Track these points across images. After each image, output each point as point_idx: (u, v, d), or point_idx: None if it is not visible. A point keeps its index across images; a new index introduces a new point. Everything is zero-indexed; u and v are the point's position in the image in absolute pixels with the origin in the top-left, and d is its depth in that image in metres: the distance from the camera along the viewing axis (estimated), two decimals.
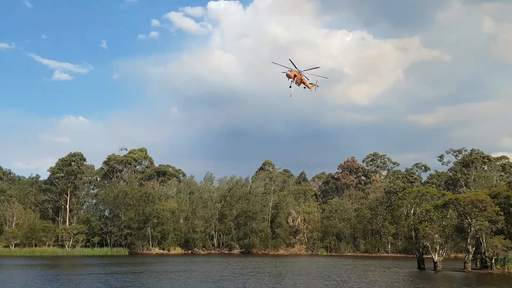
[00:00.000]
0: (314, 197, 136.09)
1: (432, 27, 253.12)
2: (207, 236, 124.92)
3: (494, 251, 59.19)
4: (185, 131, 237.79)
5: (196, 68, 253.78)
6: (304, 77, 49.50)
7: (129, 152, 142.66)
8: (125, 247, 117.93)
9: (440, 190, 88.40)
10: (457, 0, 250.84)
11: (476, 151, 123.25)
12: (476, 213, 59.65)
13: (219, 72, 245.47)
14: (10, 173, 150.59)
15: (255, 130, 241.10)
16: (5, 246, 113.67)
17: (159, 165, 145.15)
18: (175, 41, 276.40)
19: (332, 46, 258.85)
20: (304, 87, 50.31)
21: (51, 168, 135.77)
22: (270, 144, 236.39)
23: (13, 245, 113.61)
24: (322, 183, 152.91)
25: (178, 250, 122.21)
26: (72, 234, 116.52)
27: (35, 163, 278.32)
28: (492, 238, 59.64)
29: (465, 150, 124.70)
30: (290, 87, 48.44)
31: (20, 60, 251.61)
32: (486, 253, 60.19)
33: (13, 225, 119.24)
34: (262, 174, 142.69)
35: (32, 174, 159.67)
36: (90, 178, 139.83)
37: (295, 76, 48.55)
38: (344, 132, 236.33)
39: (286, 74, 48.40)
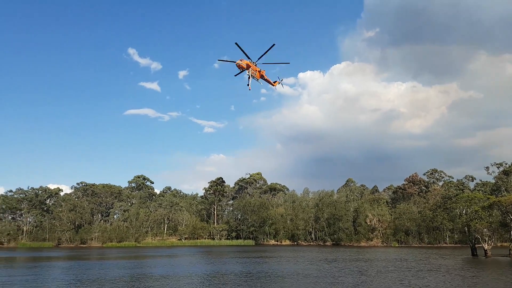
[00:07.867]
0: (385, 203, 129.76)
1: (466, 74, 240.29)
2: (307, 232, 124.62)
3: None
4: (286, 159, 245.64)
5: (292, 117, 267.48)
6: (262, 70, 33.33)
7: (251, 175, 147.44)
8: (252, 239, 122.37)
9: (485, 195, 79.86)
10: (482, 53, 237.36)
11: None
12: None
13: (307, 119, 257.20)
14: (180, 192, 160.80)
15: (334, 156, 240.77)
16: (178, 239, 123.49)
17: (271, 183, 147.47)
18: (277, 101, 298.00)
19: (390, 94, 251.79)
20: (259, 81, 34.28)
21: (204, 188, 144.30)
22: (346, 166, 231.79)
23: (184, 238, 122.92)
24: (392, 192, 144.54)
25: (287, 242, 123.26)
26: (218, 231, 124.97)
27: (195, 185, 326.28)
28: None
29: (506, 163, 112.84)
30: (248, 85, 31.73)
31: (184, 122, 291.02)
32: None
33: (183, 226, 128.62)
34: (344, 188, 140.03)
35: (193, 192, 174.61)
36: (228, 193, 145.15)
37: (249, 66, 31.72)
38: (403, 154, 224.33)
39: (237, 64, 31.64)
